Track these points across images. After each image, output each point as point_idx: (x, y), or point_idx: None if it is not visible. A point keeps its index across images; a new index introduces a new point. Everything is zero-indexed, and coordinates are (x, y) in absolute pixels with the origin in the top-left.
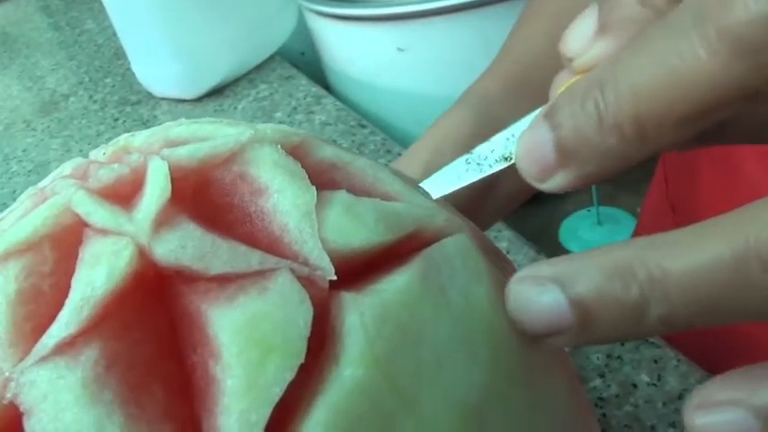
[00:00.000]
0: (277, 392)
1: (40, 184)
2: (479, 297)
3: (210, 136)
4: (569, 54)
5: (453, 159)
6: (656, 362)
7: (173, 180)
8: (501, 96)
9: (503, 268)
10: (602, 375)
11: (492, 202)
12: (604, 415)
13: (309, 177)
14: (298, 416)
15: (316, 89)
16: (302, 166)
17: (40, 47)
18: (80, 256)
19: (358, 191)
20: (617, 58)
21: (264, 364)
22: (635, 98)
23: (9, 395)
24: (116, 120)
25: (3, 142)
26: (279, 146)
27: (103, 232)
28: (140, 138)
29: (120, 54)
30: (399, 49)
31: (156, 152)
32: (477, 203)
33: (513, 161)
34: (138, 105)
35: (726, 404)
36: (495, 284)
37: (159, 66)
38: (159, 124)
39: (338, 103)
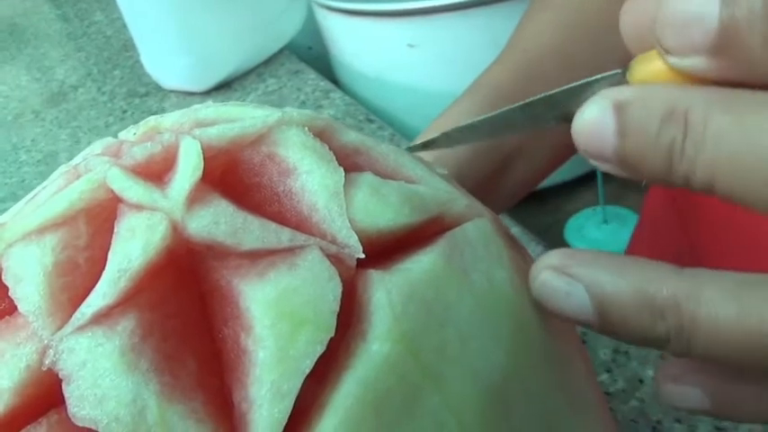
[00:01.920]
0: (308, 365)
1: (72, 162)
2: (501, 280)
3: (239, 117)
4: (667, 43)
5: (465, 150)
6: (663, 357)
7: (204, 159)
8: (510, 87)
9: (520, 253)
10: (608, 370)
11: (503, 188)
12: (611, 409)
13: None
14: (327, 388)
15: (324, 83)
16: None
17: (49, 38)
18: (116, 230)
19: (381, 175)
20: (715, 103)
21: (296, 337)
22: (716, 168)
23: (48, 362)
24: (124, 111)
25: (12, 132)
26: (306, 128)
27: (138, 207)
28: (170, 118)
29: (128, 46)
30: (410, 45)
31: (187, 132)
32: (490, 189)
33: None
34: (146, 97)
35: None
36: (515, 268)
37: (168, 58)
38: None
39: (346, 97)
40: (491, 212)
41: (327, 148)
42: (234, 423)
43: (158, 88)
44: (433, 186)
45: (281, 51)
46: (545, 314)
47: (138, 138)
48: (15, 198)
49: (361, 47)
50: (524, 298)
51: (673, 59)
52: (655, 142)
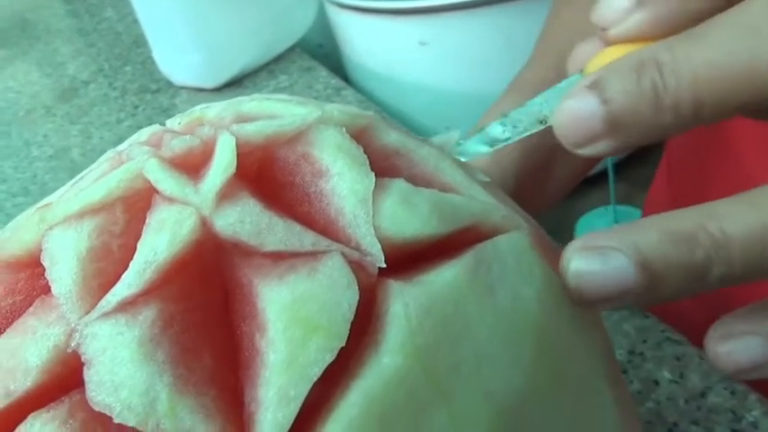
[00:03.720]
0: (316, 372)
1: (119, 148)
2: (528, 299)
3: (279, 114)
4: (603, 23)
5: (517, 145)
6: (678, 359)
7: (239, 155)
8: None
9: (557, 266)
10: (624, 371)
11: (550, 185)
12: None
13: (372, 162)
14: (334, 397)
15: (335, 81)
16: (366, 151)
17: (60, 33)
18: (147, 220)
19: (418, 179)
20: (676, 42)
21: (307, 343)
22: (697, 84)
23: (73, 344)
24: (136, 107)
25: (23, 128)
26: (344, 129)
27: (170, 200)
28: (214, 110)
29: (139, 42)
30: (421, 43)
31: (227, 126)
32: (536, 186)
33: (548, 124)
34: (157, 93)
35: (745, 334)
36: (547, 286)
37: (179, 54)
38: (178, 113)
39: (358, 95)
40: (532, 224)
41: (362, 150)
42: (243, 421)
43: (169, 84)
44: (469, 195)
45: (292, 48)
46: (578, 338)
47: (182, 128)
48: (27, 193)
49: (373, 44)
50: (552, 318)
51: (612, 30)
52: (638, 90)
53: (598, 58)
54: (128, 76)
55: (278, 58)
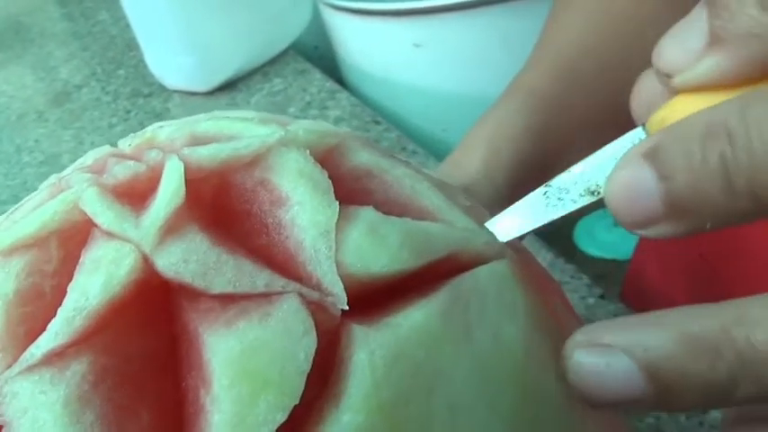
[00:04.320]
0: None
1: (63, 173)
2: (510, 337)
3: (237, 135)
4: (668, 68)
5: (510, 156)
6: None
7: (191, 181)
8: (550, 90)
9: (548, 298)
10: None
11: None
12: None
13: (342, 185)
14: None
15: (330, 84)
16: (335, 173)
17: (54, 37)
18: (81, 259)
19: (392, 203)
20: (749, 103)
21: (255, 402)
22: None
23: None
24: (128, 112)
25: (15, 133)
26: (308, 151)
27: (109, 235)
28: (166, 131)
29: (132, 46)
30: (416, 45)
31: (177, 150)
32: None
33: (600, 196)
34: (150, 98)
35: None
36: (532, 322)
37: (172, 58)
38: (172, 117)
39: (353, 98)
40: (519, 249)
41: (327, 175)
42: None
43: (162, 88)
44: (447, 222)
45: (286, 51)
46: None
47: (131, 150)
48: (17, 200)
49: (367, 46)
50: (537, 357)
51: (678, 78)
52: (703, 167)
53: (664, 111)
54: (120, 79)
55: (272, 61)
